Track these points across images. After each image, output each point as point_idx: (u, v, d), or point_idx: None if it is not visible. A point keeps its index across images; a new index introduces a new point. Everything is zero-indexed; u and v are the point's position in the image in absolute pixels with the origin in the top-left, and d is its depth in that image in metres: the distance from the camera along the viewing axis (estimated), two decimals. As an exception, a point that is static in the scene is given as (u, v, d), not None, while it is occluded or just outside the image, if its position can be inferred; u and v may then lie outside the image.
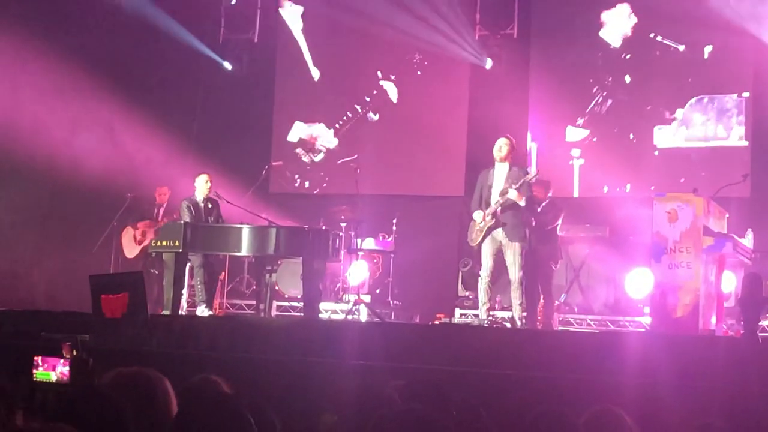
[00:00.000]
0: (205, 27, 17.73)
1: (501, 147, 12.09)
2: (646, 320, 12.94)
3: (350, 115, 17.51)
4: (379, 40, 17.22)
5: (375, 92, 17.42)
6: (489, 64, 16.85)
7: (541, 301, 12.64)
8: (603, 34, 16.17)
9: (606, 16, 16.18)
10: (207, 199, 13.62)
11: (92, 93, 15.53)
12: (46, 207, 16.00)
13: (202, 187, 13.63)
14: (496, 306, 13.62)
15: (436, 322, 13.67)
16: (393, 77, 17.38)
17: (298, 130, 17.83)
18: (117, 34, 16.76)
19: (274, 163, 17.30)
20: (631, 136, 15.91)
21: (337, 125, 17.62)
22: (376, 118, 17.47)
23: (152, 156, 15.96)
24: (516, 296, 11.99)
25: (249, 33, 18.23)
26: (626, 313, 14.00)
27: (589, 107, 16.19)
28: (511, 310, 12.39)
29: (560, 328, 13.49)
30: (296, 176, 17.78)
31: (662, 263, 10.38)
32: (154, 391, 4.08)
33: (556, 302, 13.52)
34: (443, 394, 5.02)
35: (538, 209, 12.63)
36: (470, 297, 14.42)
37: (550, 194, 12.88)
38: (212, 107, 18.19)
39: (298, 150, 17.75)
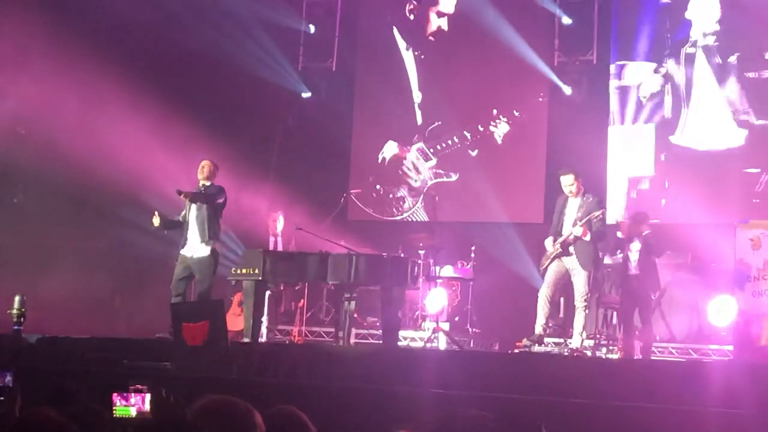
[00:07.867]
0: (284, 55, 17.90)
1: (569, 186, 12.24)
2: (730, 348, 12.73)
3: (456, 140, 17.46)
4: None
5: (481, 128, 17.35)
6: (568, 90, 16.77)
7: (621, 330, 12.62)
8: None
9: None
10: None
11: (170, 122, 15.68)
12: (126, 235, 16.17)
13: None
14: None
15: (516, 351, 13.56)
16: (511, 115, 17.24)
17: (391, 149, 17.91)
18: (194, 63, 16.98)
19: (352, 191, 17.35)
20: (712, 161, 15.67)
21: (438, 147, 17.60)
22: (474, 154, 17.41)
23: (230, 185, 16.09)
24: (579, 324, 12.02)
25: (327, 61, 18.38)
26: (709, 341, 13.78)
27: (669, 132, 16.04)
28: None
29: (641, 356, 13.32)
30: (376, 204, 17.84)
31: (746, 291, 10.29)
32: (242, 421, 4.06)
33: (636, 331, 13.37)
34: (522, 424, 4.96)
35: (640, 243, 12.51)
36: (551, 325, 14.29)
37: (647, 231, 12.69)
38: (291, 135, 18.36)
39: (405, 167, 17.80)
